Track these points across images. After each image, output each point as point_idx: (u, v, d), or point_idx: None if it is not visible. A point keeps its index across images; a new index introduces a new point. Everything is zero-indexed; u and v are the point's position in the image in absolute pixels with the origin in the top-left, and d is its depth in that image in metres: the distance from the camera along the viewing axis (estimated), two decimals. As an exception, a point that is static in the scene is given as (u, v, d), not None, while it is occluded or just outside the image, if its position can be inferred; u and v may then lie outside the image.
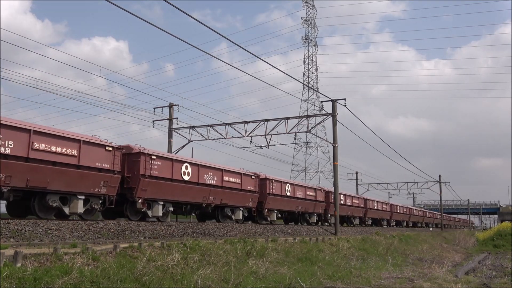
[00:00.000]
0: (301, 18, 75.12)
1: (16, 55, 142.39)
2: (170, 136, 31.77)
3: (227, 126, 29.79)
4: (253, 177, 23.44)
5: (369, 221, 42.16)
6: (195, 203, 19.61)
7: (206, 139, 30.85)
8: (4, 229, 10.97)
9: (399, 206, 53.21)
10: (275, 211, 26.01)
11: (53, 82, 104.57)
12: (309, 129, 30.14)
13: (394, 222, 50.92)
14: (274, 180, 25.66)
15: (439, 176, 63.48)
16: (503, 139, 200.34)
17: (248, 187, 22.81)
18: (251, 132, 29.24)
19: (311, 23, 75.00)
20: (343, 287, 12.93)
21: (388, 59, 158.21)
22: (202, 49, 16.44)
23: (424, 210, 72.39)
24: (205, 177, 19.68)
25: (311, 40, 74.88)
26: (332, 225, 29.58)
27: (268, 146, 29.57)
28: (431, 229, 60.66)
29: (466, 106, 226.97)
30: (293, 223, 30.49)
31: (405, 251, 26.80)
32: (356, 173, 65.07)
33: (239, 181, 22.05)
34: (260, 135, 29.26)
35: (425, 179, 64.75)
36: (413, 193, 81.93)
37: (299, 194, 28.53)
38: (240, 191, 22.04)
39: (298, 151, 74.72)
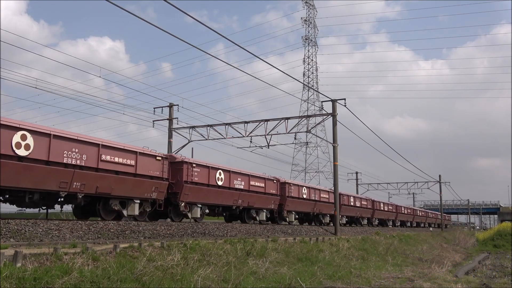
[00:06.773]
0: (301, 18, 75.24)
1: (13, 55, 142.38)
2: (170, 136, 31.79)
3: (227, 126, 29.78)
4: (274, 181, 24.97)
5: (376, 222, 42.34)
6: (226, 205, 21.40)
7: (206, 139, 30.86)
8: (4, 229, 10.96)
9: (404, 207, 53.57)
10: (293, 213, 27.45)
11: (52, 82, 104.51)
12: (309, 129, 30.10)
13: (399, 223, 51.28)
14: (293, 184, 27.15)
15: (439, 176, 63.51)
16: (501, 139, 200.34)
17: (271, 191, 24.42)
18: (251, 132, 29.23)
19: (311, 23, 75.03)
20: (343, 287, 12.92)
21: (385, 59, 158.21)
22: (201, 49, 16.45)
23: (426, 210, 72.50)
24: (235, 182, 21.36)
25: (311, 40, 74.93)
26: (343, 225, 29.93)
27: (268, 146, 29.60)
28: (431, 229, 60.73)
29: (463, 106, 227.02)
30: (307, 223, 31.07)
31: (405, 251, 26.79)
32: (356, 173, 65.16)
33: (263, 185, 23.65)
34: (260, 135, 29.29)
35: (425, 179, 64.85)
36: (413, 193, 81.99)
37: (314, 197, 29.47)
38: (264, 194, 23.73)
39: (298, 151, 74.77)
